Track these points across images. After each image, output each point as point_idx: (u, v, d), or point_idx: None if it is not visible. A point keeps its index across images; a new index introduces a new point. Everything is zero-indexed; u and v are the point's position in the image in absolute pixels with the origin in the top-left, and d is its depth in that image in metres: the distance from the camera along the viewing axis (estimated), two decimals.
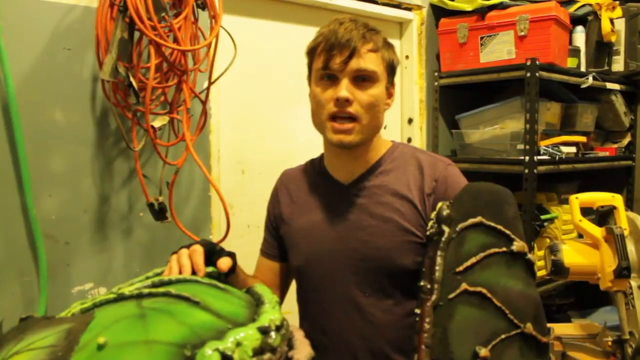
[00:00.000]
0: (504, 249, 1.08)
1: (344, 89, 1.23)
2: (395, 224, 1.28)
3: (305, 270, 1.39)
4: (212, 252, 1.16)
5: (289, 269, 1.48)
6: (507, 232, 1.09)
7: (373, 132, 1.32)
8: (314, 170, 1.45)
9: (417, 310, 1.05)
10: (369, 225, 1.30)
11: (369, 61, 1.25)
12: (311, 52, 1.32)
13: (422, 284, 1.07)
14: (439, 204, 1.15)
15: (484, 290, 1.02)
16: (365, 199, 1.32)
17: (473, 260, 1.05)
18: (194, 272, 1.09)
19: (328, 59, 1.24)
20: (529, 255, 1.10)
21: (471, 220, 1.10)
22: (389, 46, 1.32)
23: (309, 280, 1.39)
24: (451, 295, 1.02)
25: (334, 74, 1.25)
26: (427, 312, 1.02)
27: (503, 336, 1.00)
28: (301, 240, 1.39)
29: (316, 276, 1.36)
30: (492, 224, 1.10)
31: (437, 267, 1.06)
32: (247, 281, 1.28)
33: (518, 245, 1.09)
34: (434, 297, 1.03)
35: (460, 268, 1.05)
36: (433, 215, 1.16)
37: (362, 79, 1.25)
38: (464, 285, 1.03)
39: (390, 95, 1.35)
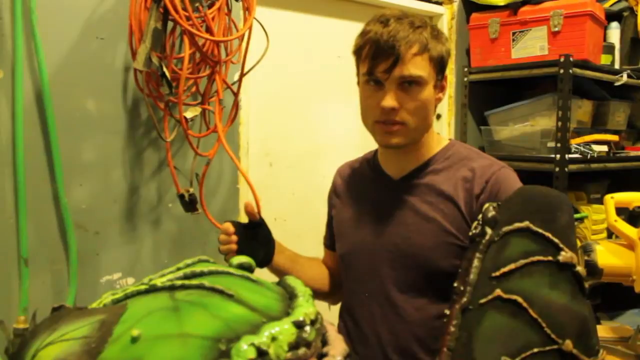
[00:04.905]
0: (550, 258, 1.01)
1: (389, 97, 1.20)
2: (438, 224, 1.26)
3: (348, 260, 1.41)
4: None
5: None
6: (556, 240, 1.02)
7: (421, 134, 1.30)
8: (369, 163, 1.46)
9: (447, 312, 1.02)
10: (412, 223, 1.29)
11: (413, 67, 1.20)
12: (357, 54, 1.28)
13: (455, 284, 1.03)
14: (486, 205, 1.10)
15: (520, 299, 0.97)
16: (411, 196, 1.31)
17: (512, 266, 1.00)
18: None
19: (372, 65, 1.21)
20: (578, 268, 1.02)
21: (517, 225, 1.04)
22: (438, 39, 1.26)
23: (350, 270, 1.41)
24: (482, 300, 0.98)
25: (379, 80, 1.22)
26: (455, 314, 0.99)
27: (536, 350, 0.94)
28: (347, 230, 1.41)
29: (357, 267, 1.38)
30: (540, 231, 1.03)
31: (472, 269, 1.02)
32: (296, 258, 1.45)
33: (566, 255, 1.01)
34: (464, 299, 1.00)
35: (497, 273, 1.00)
36: (480, 216, 1.10)
37: (409, 83, 1.21)
38: (497, 291, 0.98)
39: (442, 88, 1.31)
